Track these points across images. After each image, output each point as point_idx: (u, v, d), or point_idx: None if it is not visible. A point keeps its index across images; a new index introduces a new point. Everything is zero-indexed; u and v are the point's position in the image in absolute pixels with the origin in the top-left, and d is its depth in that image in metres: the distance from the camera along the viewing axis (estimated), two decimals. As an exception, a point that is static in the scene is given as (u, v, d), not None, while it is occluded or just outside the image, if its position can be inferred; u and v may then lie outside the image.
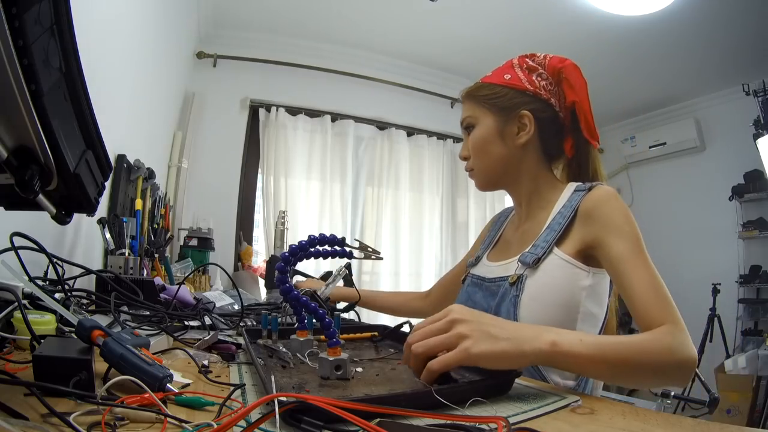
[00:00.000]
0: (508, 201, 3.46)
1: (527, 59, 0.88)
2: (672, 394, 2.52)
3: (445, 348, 0.53)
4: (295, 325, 0.73)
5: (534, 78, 0.86)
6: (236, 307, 1.16)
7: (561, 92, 0.87)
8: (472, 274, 0.94)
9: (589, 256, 0.77)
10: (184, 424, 0.37)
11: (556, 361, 0.56)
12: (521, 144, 0.86)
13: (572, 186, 0.84)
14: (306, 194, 2.91)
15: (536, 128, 0.85)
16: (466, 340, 0.52)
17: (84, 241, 1.17)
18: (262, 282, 2.60)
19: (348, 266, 1.33)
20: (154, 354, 0.56)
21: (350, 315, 1.29)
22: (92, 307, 0.82)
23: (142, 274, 1.25)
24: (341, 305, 1.39)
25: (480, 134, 0.87)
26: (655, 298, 0.66)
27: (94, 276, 0.94)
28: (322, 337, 0.63)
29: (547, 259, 0.78)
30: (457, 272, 1.12)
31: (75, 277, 0.88)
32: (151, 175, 1.56)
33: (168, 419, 0.37)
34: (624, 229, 0.72)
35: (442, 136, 3.35)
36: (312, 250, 0.67)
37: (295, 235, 2.74)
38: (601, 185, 0.80)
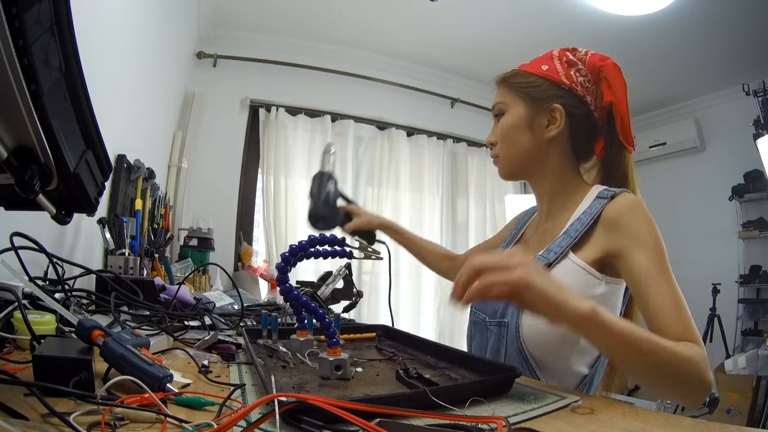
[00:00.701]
0: (508, 202, 3.47)
1: (568, 53, 0.84)
2: (672, 394, 2.52)
3: (503, 284, 0.52)
4: (295, 325, 0.73)
5: (572, 72, 0.83)
6: (236, 307, 1.16)
7: (599, 91, 0.84)
8: None
9: (607, 265, 0.75)
10: (184, 424, 0.37)
11: (591, 330, 0.54)
12: (549, 137, 0.83)
13: (596, 190, 0.81)
14: (306, 194, 2.91)
15: (567, 124, 0.82)
16: (524, 271, 0.52)
17: (84, 241, 1.17)
18: (262, 282, 2.60)
19: (348, 266, 1.33)
20: (154, 354, 0.56)
21: (350, 315, 1.29)
22: (92, 307, 0.82)
23: (142, 274, 1.25)
24: (341, 305, 1.39)
25: (509, 122, 0.84)
26: (677, 315, 0.64)
27: (94, 276, 0.94)
28: (322, 337, 0.63)
29: (560, 264, 0.76)
30: (490, 246, 1.12)
31: (75, 277, 0.88)
32: (151, 175, 1.56)
33: (168, 419, 0.37)
34: (648, 242, 0.70)
35: (442, 136, 3.35)
36: (312, 250, 0.67)
37: (295, 235, 2.74)
38: (626, 193, 0.77)
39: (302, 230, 2.78)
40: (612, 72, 0.82)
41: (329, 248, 0.69)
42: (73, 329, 0.49)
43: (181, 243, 2.30)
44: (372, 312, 2.92)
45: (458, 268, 1.16)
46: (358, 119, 3.09)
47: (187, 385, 0.50)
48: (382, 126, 3.18)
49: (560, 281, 0.56)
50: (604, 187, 0.81)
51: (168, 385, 0.44)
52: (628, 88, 0.85)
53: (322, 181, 1.03)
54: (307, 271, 2.45)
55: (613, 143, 0.85)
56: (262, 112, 2.85)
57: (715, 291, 3.06)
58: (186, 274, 1.88)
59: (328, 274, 1.39)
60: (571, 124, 0.83)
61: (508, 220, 1.14)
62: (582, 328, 0.54)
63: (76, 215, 0.47)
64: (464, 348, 0.96)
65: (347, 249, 0.73)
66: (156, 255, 1.59)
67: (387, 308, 1.22)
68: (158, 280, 1.22)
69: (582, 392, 0.74)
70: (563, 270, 0.75)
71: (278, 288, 0.64)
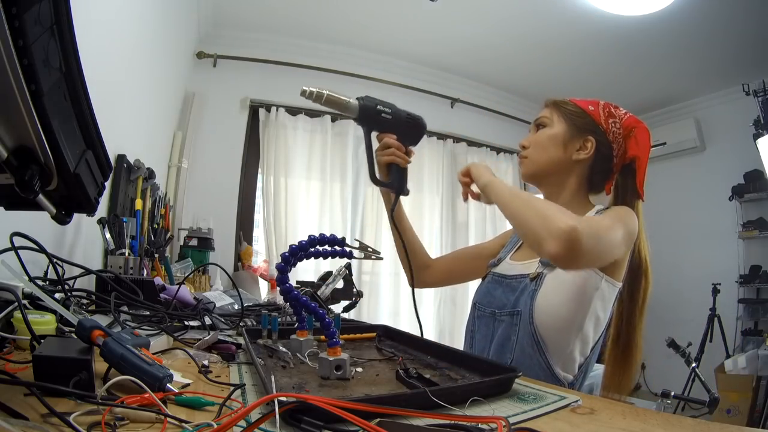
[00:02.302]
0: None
1: (611, 107, 0.98)
2: (672, 394, 2.52)
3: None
4: (295, 325, 0.73)
5: (609, 121, 0.96)
6: (236, 307, 1.16)
7: (624, 145, 0.96)
8: (493, 272, 1.00)
9: None
10: (184, 424, 0.37)
11: (493, 184, 0.86)
12: (576, 159, 0.95)
13: (597, 207, 0.95)
14: (306, 194, 2.91)
15: (593, 156, 0.95)
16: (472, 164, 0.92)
17: (84, 241, 1.17)
18: (262, 282, 2.60)
19: (348, 266, 1.33)
20: (154, 354, 0.56)
21: (350, 315, 1.29)
22: (92, 307, 0.82)
23: (142, 274, 1.25)
24: (341, 305, 1.39)
25: (549, 133, 0.97)
26: (597, 218, 0.84)
27: (94, 276, 0.94)
28: (322, 337, 0.63)
29: None
30: (468, 254, 1.19)
31: (75, 277, 0.88)
32: (151, 175, 1.56)
33: (168, 419, 0.37)
34: (617, 210, 0.86)
35: (442, 136, 3.35)
36: (312, 250, 0.67)
37: (295, 235, 2.74)
38: (623, 207, 0.90)
39: (302, 230, 2.78)
40: (643, 133, 0.95)
41: (329, 248, 0.69)
42: (73, 329, 0.49)
43: (181, 243, 2.30)
44: (372, 312, 2.92)
45: (430, 276, 1.18)
46: (358, 119, 3.09)
47: (187, 385, 0.50)
48: (382, 126, 3.17)
49: (486, 167, 0.92)
50: (605, 206, 0.95)
51: (168, 385, 0.44)
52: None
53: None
54: (307, 271, 2.45)
55: (627, 191, 0.96)
56: (262, 112, 2.85)
57: (715, 291, 3.06)
58: (186, 274, 1.88)
59: (328, 274, 1.39)
60: (595, 158, 0.95)
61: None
62: (489, 184, 0.86)
63: (76, 215, 0.47)
64: (463, 344, 1.02)
65: (347, 249, 0.72)
66: (156, 255, 1.59)
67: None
68: (158, 280, 1.22)
69: (579, 381, 0.85)
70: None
71: (278, 288, 0.64)
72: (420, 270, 1.15)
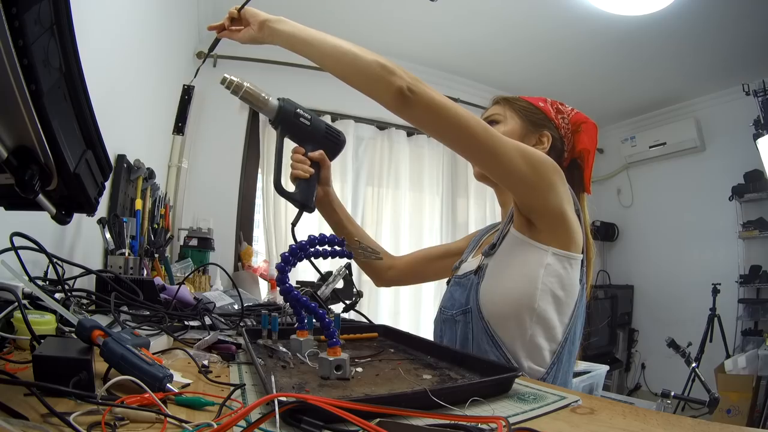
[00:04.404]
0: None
1: (558, 104, 0.98)
2: (672, 394, 2.52)
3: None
4: (295, 325, 0.73)
5: (559, 117, 0.97)
6: (236, 307, 1.16)
7: (573, 140, 0.97)
8: (455, 275, 0.99)
9: (529, 221, 0.81)
10: (184, 424, 0.37)
11: (283, 25, 0.83)
12: None
13: None
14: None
15: (549, 150, 0.93)
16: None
17: (84, 241, 1.17)
18: (262, 282, 2.60)
19: (348, 266, 1.33)
20: (154, 354, 0.56)
21: (350, 315, 1.29)
22: (92, 307, 0.82)
23: (142, 274, 1.25)
24: (341, 305, 1.39)
25: (503, 130, 0.93)
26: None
27: (94, 276, 0.93)
28: (322, 337, 0.63)
29: (504, 242, 0.85)
30: (434, 254, 1.17)
31: (75, 277, 0.88)
32: (151, 175, 1.56)
33: (168, 419, 0.37)
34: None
35: (442, 136, 3.35)
36: (312, 250, 0.67)
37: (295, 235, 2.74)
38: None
39: (302, 230, 2.77)
40: (591, 129, 0.96)
41: (329, 248, 0.69)
42: (73, 329, 0.49)
43: (181, 243, 2.30)
44: (372, 312, 2.92)
45: (396, 275, 1.16)
46: (358, 119, 3.09)
47: (187, 385, 0.50)
48: (382, 126, 3.17)
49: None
50: None
51: (168, 385, 0.44)
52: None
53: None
54: (307, 271, 2.45)
55: (573, 184, 0.91)
56: (262, 112, 2.85)
57: (715, 291, 3.06)
58: (186, 274, 1.88)
59: (328, 274, 1.39)
60: (549, 153, 0.92)
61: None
62: (280, 25, 0.83)
63: (76, 215, 0.47)
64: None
65: (347, 249, 0.72)
66: (156, 255, 1.59)
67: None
68: (158, 280, 1.22)
69: (552, 374, 0.78)
70: (506, 245, 0.84)
71: (278, 288, 0.64)
72: (383, 271, 1.17)
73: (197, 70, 0.91)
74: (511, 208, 0.88)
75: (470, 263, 0.95)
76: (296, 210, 0.88)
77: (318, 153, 0.88)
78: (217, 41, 0.92)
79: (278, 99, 0.83)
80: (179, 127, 1.04)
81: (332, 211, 1.04)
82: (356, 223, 1.10)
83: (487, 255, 0.86)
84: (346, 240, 0.69)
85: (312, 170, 0.86)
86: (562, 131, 0.95)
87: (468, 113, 0.75)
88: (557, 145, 0.95)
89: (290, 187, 0.87)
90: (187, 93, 1.11)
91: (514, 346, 0.78)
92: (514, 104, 0.97)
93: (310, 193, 0.86)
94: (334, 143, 0.89)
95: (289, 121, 0.83)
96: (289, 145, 0.86)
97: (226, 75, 0.78)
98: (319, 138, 0.87)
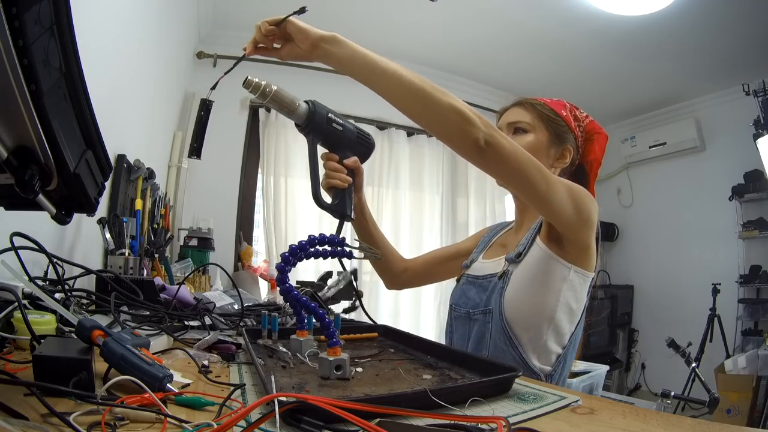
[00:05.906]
0: (508, 201, 3.47)
1: (575, 109, 0.99)
2: (672, 394, 2.52)
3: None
4: (295, 325, 0.73)
5: (575, 125, 0.97)
6: (236, 307, 1.16)
7: (584, 147, 0.99)
8: (467, 274, 1.02)
9: (559, 239, 0.83)
10: (184, 424, 0.37)
11: (339, 48, 0.71)
12: (554, 168, 0.96)
13: None
14: (306, 194, 2.91)
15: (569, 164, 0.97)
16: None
17: (84, 241, 1.17)
18: (262, 282, 2.60)
19: (354, 272, 1.33)
20: (154, 354, 0.56)
21: (352, 314, 1.29)
22: (92, 307, 0.82)
23: (142, 274, 1.25)
24: (341, 305, 1.39)
25: (531, 142, 0.94)
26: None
27: (94, 276, 0.94)
28: (322, 337, 0.63)
29: (530, 252, 0.87)
30: (446, 255, 1.18)
31: (75, 277, 0.88)
32: (151, 175, 1.56)
33: (168, 419, 0.37)
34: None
35: (442, 136, 3.35)
36: (312, 250, 0.67)
37: (295, 235, 2.74)
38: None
39: (302, 230, 2.78)
40: (603, 140, 0.98)
41: (329, 248, 0.69)
42: (73, 329, 0.49)
43: (181, 243, 2.30)
44: (372, 312, 2.91)
45: (409, 278, 1.17)
46: (358, 119, 3.08)
47: (187, 385, 0.50)
48: (382, 126, 3.17)
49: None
50: None
51: (168, 385, 0.44)
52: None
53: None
54: (307, 271, 2.45)
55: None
56: (262, 112, 2.85)
57: (715, 291, 3.06)
58: (186, 274, 1.88)
59: (328, 274, 1.39)
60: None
61: (509, 219, 1.16)
62: (331, 47, 0.70)
63: (76, 215, 0.47)
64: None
65: (347, 249, 0.72)
66: (156, 255, 1.59)
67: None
68: (158, 280, 1.22)
69: (558, 373, 0.85)
70: (532, 258, 0.86)
71: (278, 288, 0.64)
72: (398, 274, 1.18)
73: (216, 83, 0.82)
74: (540, 219, 0.90)
75: (487, 265, 0.97)
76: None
77: (352, 160, 0.81)
78: (242, 59, 0.82)
79: (306, 102, 0.75)
80: (195, 148, 0.93)
81: (362, 218, 1.01)
82: (380, 229, 1.08)
83: (512, 262, 0.89)
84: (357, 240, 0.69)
85: (350, 179, 0.80)
86: (579, 141, 0.97)
87: (531, 160, 0.72)
88: (574, 157, 0.97)
89: (325, 197, 0.80)
90: (205, 108, 0.99)
91: (528, 348, 0.84)
92: (541, 112, 0.96)
93: (349, 203, 0.81)
94: (366, 147, 0.84)
95: (322, 127, 0.75)
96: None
97: (249, 77, 0.71)
98: (351, 144, 0.81)
